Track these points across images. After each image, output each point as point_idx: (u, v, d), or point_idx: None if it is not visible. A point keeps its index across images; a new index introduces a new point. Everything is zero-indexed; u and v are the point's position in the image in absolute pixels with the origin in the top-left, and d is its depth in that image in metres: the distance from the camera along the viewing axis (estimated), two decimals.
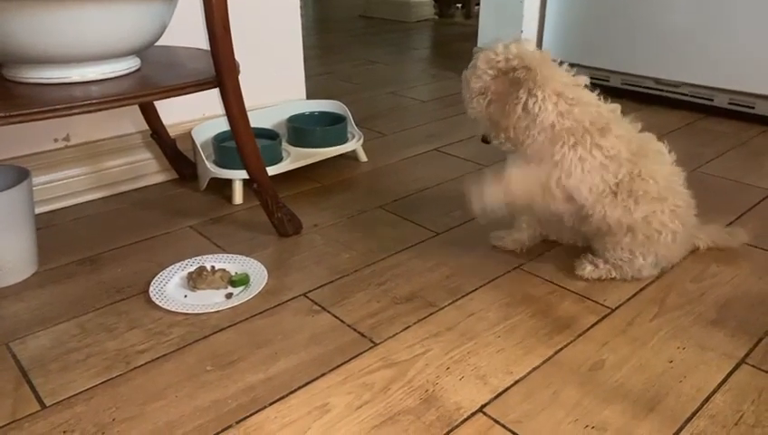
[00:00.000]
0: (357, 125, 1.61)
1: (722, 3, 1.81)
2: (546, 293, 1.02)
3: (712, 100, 1.91)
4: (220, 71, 1.03)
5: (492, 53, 0.96)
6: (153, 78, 1.05)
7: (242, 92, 1.07)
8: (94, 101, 0.94)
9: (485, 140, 1.05)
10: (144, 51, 1.08)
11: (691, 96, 1.96)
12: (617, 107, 1.01)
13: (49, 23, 0.91)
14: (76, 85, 0.99)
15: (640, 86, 2.07)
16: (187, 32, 1.26)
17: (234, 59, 1.05)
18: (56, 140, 1.30)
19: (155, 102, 1.34)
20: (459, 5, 4.05)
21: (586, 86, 0.99)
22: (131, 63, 1.06)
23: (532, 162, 0.98)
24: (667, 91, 2.01)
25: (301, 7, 4.65)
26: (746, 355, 0.87)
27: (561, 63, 0.99)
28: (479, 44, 2.35)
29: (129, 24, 0.98)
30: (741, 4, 1.77)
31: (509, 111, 0.94)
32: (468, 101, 1.00)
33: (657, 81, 2.02)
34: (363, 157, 1.58)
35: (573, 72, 0.99)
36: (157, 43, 1.10)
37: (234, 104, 1.06)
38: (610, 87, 2.15)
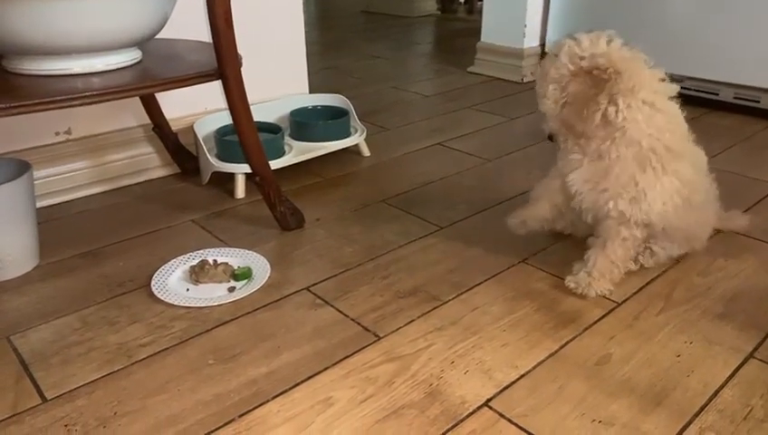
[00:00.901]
0: (359, 119, 1.60)
1: None
2: (551, 286, 1.01)
3: (717, 94, 1.90)
4: (222, 63, 1.02)
5: (577, 46, 0.86)
6: (155, 70, 1.04)
7: (244, 85, 1.06)
8: (95, 93, 0.93)
9: (551, 139, 0.95)
10: (146, 43, 1.07)
11: (696, 90, 1.94)
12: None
13: (50, 13, 0.90)
14: (77, 77, 0.98)
15: None
16: (190, 24, 1.25)
17: (236, 51, 1.04)
18: (58, 134, 1.29)
19: (157, 96, 1.33)
20: (462, 1, 4.03)
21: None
22: (133, 55, 1.05)
23: (606, 177, 0.90)
24: None
25: (304, 2, 4.61)
26: (754, 349, 0.86)
27: (653, 66, 0.89)
28: (482, 39, 2.34)
29: (130, 16, 0.97)
30: None
31: (586, 117, 0.84)
32: (542, 95, 0.90)
33: None
34: (366, 151, 1.57)
35: (665, 78, 0.89)
36: (159, 36, 1.09)
37: (236, 97, 1.05)
38: None
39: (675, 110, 0.89)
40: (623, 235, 0.93)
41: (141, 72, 1.02)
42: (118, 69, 1.02)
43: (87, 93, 0.93)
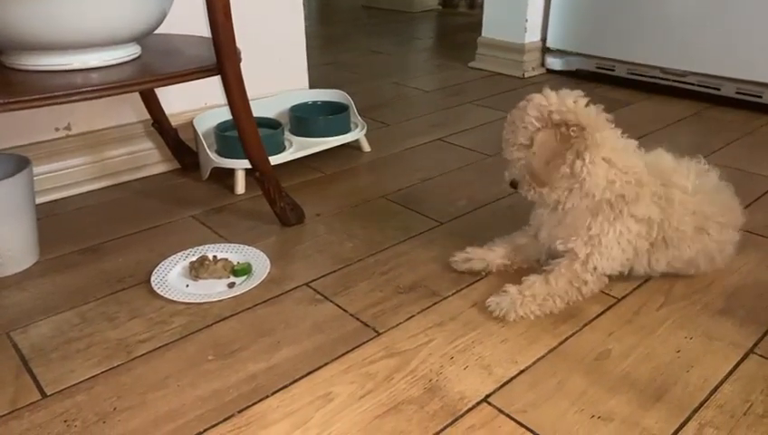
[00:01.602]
0: (360, 115, 1.60)
1: None
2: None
3: (719, 89, 1.89)
4: (221, 58, 1.02)
5: (545, 100, 0.89)
6: (154, 65, 1.04)
7: (243, 80, 1.06)
8: (94, 88, 0.93)
9: (513, 186, 0.97)
10: (145, 38, 1.07)
11: (698, 85, 1.94)
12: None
13: (49, 9, 0.90)
14: (76, 72, 0.98)
15: (647, 75, 2.05)
16: (189, 19, 1.25)
17: (235, 46, 1.03)
18: (57, 130, 1.29)
19: (156, 91, 1.33)
20: None
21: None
22: (132, 51, 1.05)
23: (561, 225, 0.94)
24: (673, 81, 1.99)
25: None
26: (755, 345, 0.85)
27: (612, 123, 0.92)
28: (483, 34, 2.34)
29: (129, 11, 0.97)
30: None
31: (552, 169, 0.88)
32: (508, 144, 0.93)
33: (663, 70, 2.00)
34: (366, 146, 1.57)
35: (625, 135, 0.93)
36: (158, 31, 1.09)
37: (235, 92, 1.05)
38: (616, 76, 2.13)
39: (634, 160, 0.92)
40: (573, 274, 0.92)
41: (140, 67, 1.02)
42: (117, 64, 1.02)
43: (86, 89, 0.93)
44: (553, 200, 0.93)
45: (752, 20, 1.76)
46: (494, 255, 1.03)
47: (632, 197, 0.90)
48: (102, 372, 0.82)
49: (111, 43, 0.99)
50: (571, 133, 0.86)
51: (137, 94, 1.32)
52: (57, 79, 0.95)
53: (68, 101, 0.91)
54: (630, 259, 0.94)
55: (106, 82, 0.95)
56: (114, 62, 1.01)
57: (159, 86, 1.01)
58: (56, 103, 0.91)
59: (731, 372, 0.80)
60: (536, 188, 0.92)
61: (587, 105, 0.90)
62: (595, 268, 0.92)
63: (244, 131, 1.09)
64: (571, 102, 0.89)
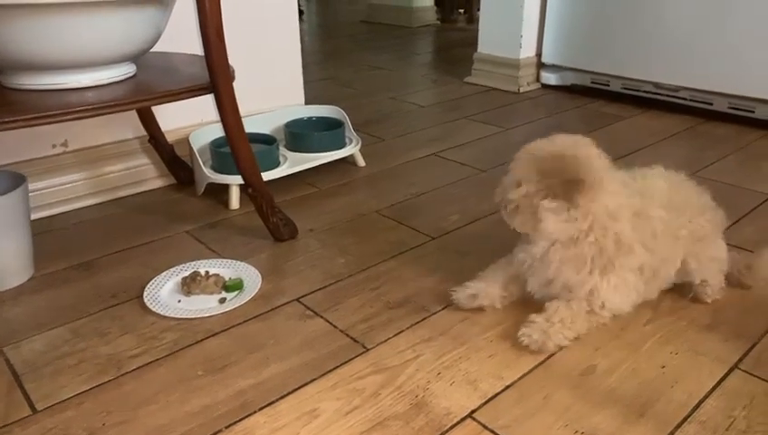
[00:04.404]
0: (356, 130, 1.62)
1: (721, 7, 1.80)
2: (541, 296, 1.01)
3: (711, 104, 1.91)
4: (214, 76, 1.04)
5: (551, 145, 0.88)
6: (148, 84, 1.06)
7: (236, 98, 1.08)
8: (89, 107, 0.95)
9: (502, 206, 0.94)
10: (140, 57, 1.08)
11: (691, 100, 1.95)
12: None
13: (44, 30, 0.91)
14: (72, 91, 1.00)
15: (640, 90, 2.07)
16: (185, 38, 1.27)
17: (228, 64, 1.05)
18: (54, 146, 1.31)
19: (152, 108, 1.35)
20: (461, 10, 4.05)
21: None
22: (127, 70, 1.06)
23: (553, 284, 0.92)
24: (666, 96, 2.01)
25: (304, 13, 4.63)
26: (739, 360, 0.86)
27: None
28: (479, 50, 2.36)
29: (123, 31, 0.99)
30: (740, 8, 1.77)
31: (542, 211, 0.87)
32: (512, 184, 0.90)
33: (656, 85, 2.02)
34: (361, 162, 1.59)
35: (621, 190, 0.91)
36: (154, 49, 1.11)
37: (228, 110, 1.07)
38: (611, 91, 2.14)
39: (620, 227, 0.89)
40: (590, 307, 0.91)
41: (135, 86, 1.04)
42: (112, 83, 1.03)
43: (81, 108, 0.94)
44: (535, 234, 0.91)
45: (744, 36, 1.78)
46: (496, 288, 0.98)
47: (623, 251, 0.89)
48: (93, 388, 0.83)
49: (106, 63, 1.01)
50: (569, 181, 0.85)
51: (133, 111, 1.34)
52: (52, 98, 0.97)
53: (63, 120, 0.93)
54: (635, 299, 0.94)
55: (100, 102, 0.96)
56: (108, 81, 1.03)
57: (153, 105, 1.03)
58: (51, 123, 0.92)
59: (715, 388, 0.81)
60: (528, 229, 0.91)
61: (595, 156, 0.88)
62: (610, 308, 0.91)
63: (237, 148, 1.11)
64: (576, 148, 0.87)
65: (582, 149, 0.88)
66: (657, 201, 0.93)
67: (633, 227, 0.89)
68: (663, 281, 0.97)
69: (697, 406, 0.78)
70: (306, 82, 1.72)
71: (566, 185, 0.85)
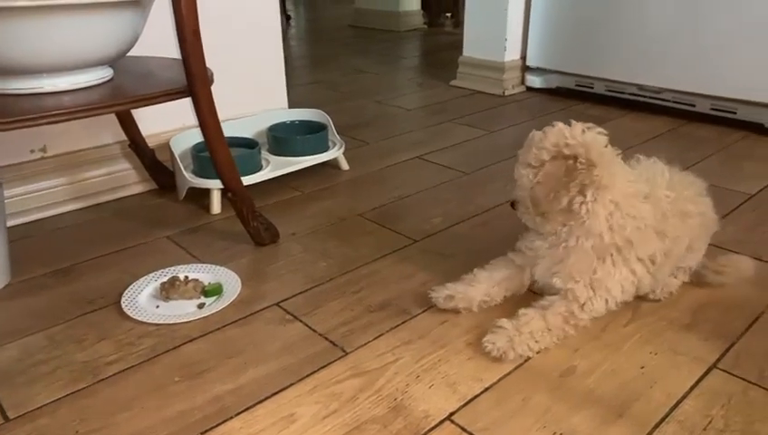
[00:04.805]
0: (341, 134, 1.61)
1: (703, 10, 1.82)
2: (519, 298, 1.01)
3: (694, 105, 1.92)
4: (192, 79, 1.03)
5: (567, 131, 0.87)
6: (125, 87, 1.05)
7: (214, 102, 1.07)
8: (65, 111, 0.94)
9: (513, 206, 0.96)
10: (117, 60, 1.08)
11: (674, 102, 1.96)
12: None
13: (20, 33, 0.90)
14: (48, 95, 0.99)
15: (624, 92, 2.08)
16: (164, 42, 1.26)
17: (205, 67, 1.04)
18: (33, 151, 1.29)
19: (133, 112, 1.34)
20: (448, 14, 4.06)
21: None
22: (104, 73, 1.05)
23: (562, 263, 0.91)
24: (650, 98, 2.02)
25: (292, 18, 4.62)
26: (718, 360, 0.86)
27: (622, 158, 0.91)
28: (464, 53, 2.36)
29: (100, 35, 0.98)
30: (721, 11, 1.78)
31: (552, 199, 0.87)
32: (522, 164, 0.91)
33: (640, 87, 2.03)
34: (345, 165, 1.58)
35: (634, 178, 0.91)
36: (134, 53, 1.10)
37: (206, 113, 1.06)
38: (595, 93, 2.15)
39: (643, 212, 0.89)
40: (570, 314, 0.90)
41: (111, 90, 1.03)
42: (88, 87, 1.02)
43: (57, 112, 0.93)
44: (547, 231, 0.92)
45: (725, 38, 1.79)
46: (475, 292, 0.97)
47: (639, 240, 0.89)
48: (68, 395, 0.81)
49: (82, 67, 1.00)
50: (578, 168, 0.85)
51: (113, 115, 1.33)
52: (28, 102, 0.96)
53: (38, 124, 0.92)
54: (632, 294, 0.94)
55: (76, 105, 0.95)
56: (85, 84, 1.02)
57: (130, 108, 1.02)
58: (27, 126, 0.91)
59: (693, 387, 0.81)
60: (533, 214, 0.91)
61: (606, 145, 0.88)
62: (593, 310, 0.91)
63: (216, 152, 1.10)
64: (589, 138, 0.87)
65: (595, 137, 0.88)
66: (661, 182, 0.94)
67: (648, 213, 0.89)
68: (676, 260, 0.96)
69: (676, 406, 0.78)
70: (293, 86, 1.72)
71: (574, 170, 0.85)
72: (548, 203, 0.87)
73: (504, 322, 0.89)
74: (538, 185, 0.88)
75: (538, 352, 0.88)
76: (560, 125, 0.89)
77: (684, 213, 0.94)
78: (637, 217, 0.88)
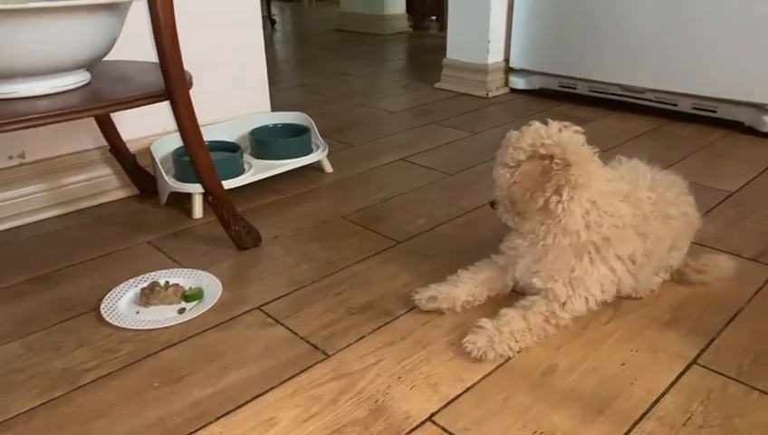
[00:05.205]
0: (325, 136, 1.61)
1: (685, 11, 1.83)
2: (502, 298, 1.01)
3: (676, 105, 1.93)
4: (170, 83, 1.02)
5: (543, 130, 0.87)
6: (102, 92, 1.04)
7: (193, 105, 1.06)
8: (41, 116, 0.93)
9: (493, 206, 0.95)
10: (94, 65, 1.07)
11: (656, 101, 1.98)
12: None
13: None
14: (23, 100, 0.98)
15: (607, 93, 2.09)
16: (142, 46, 1.25)
17: (183, 71, 1.04)
18: (11, 157, 1.28)
19: (113, 117, 1.32)
20: (433, 18, 4.08)
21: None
22: (80, 77, 1.04)
23: (541, 262, 0.92)
24: (632, 98, 2.03)
25: (277, 22, 4.61)
26: (698, 356, 0.86)
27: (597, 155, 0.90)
28: (447, 56, 2.37)
29: (75, 39, 0.97)
30: (703, 11, 1.80)
31: (528, 199, 0.87)
32: (500, 165, 0.90)
33: (622, 87, 2.04)
34: (329, 168, 1.58)
35: (613, 178, 0.91)
36: (112, 58, 1.09)
37: (185, 117, 1.05)
38: (578, 94, 2.16)
39: (620, 210, 0.89)
40: (551, 314, 0.90)
41: (88, 93, 1.02)
42: (65, 91, 1.01)
43: (32, 116, 0.92)
44: (526, 230, 0.92)
45: (706, 39, 1.81)
46: (458, 292, 0.97)
47: (617, 238, 0.89)
48: (44, 403, 0.80)
49: (58, 71, 0.99)
50: (554, 168, 0.84)
51: (92, 120, 1.32)
52: (2, 107, 0.95)
53: (13, 129, 0.91)
54: (612, 294, 0.94)
55: (53, 110, 0.94)
56: (62, 89, 1.01)
57: (107, 112, 1.02)
58: (2, 132, 0.90)
59: (673, 384, 0.81)
60: (511, 214, 0.91)
61: (583, 144, 0.87)
62: (573, 309, 0.91)
63: (195, 156, 1.09)
64: (565, 137, 0.86)
65: (571, 136, 0.87)
66: (643, 184, 0.94)
67: (626, 211, 0.89)
68: (657, 261, 0.96)
69: (656, 402, 0.78)
70: (278, 90, 1.71)
71: (550, 169, 0.85)
72: (525, 203, 0.88)
73: (484, 322, 0.89)
74: (515, 185, 0.88)
75: (519, 352, 0.88)
76: (536, 124, 0.89)
77: (666, 215, 0.94)
78: (614, 215, 0.88)
